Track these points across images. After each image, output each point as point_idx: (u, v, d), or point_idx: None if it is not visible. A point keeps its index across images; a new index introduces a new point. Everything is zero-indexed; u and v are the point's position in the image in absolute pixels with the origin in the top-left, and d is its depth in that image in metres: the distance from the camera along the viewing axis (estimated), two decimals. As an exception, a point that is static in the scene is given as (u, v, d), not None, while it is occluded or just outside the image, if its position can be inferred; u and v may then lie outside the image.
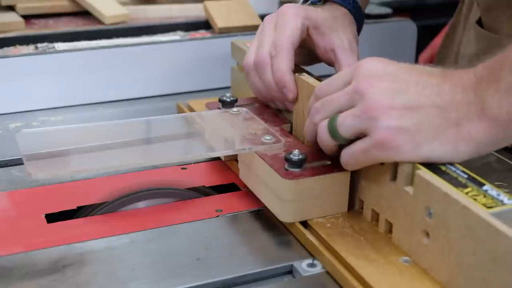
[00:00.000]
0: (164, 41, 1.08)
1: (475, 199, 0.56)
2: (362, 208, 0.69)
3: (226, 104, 0.81)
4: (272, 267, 0.64)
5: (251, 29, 1.09)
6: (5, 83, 0.96)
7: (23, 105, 0.97)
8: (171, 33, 1.14)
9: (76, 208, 0.73)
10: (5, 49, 1.04)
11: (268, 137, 0.73)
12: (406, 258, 0.62)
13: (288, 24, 0.80)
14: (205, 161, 0.83)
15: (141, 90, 1.04)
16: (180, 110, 0.96)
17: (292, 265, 0.64)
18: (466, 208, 0.54)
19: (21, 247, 0.66)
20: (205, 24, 1.18)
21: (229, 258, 0.65)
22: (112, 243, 0.67)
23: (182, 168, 0.81)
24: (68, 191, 0.76)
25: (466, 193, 0.57)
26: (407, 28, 1.20)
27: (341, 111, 0.63)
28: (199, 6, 1.22)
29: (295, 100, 0.79)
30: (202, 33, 1.16)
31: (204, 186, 0.78)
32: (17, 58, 0.99)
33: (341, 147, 0.65)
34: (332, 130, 0.64)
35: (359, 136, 0.62)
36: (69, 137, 0.74)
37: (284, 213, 0.67)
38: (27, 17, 1.16)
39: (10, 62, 0.97)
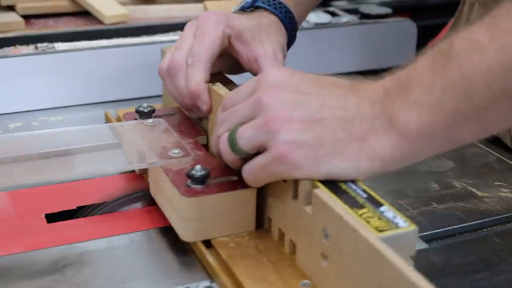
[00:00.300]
0: (164, 41, 1.08)
1: (368, 222, 0.53)
2: (271, 226, 0.66)
3: (143, 115, 0.78)
4: None
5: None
6: (5, 83, 0.96)
7: (23, 105, 0.97)
8: (171, 33, 1.14)
9: (76, 208, 0.73)
10: (5, 49, 1.04)
11: (176, 151, 0.68)
12: (306, 281, 0.59)
13: (208, 33, 0.77)
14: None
15: (141, 90, 1.04)
16: (107, 120, 0.92)
17: (188, 287, 0.61)
18: (356, 231, 0.51)
19: (21, 247, 0.66)
20: (205, 24, 1.18)
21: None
22: (112, 243, 0.67)
23: (182, 168, 0.81)
24: (68, 191, 0.76)
25: (361, 215, 0.53)
26: (407, 28, 1.20)
27: (244, 123, 0.60)
28: (199, 6, 1.22)
29: (210, 111, 0.76)
30: (202, 33, 1.16)
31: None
32: (17, 58, 0.99)
33: (245, 161, 0.62)
34: (232, 143, 0.61)
35: (260, 150, 0.59)
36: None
37: (185, 232, 0.64)
38: (27, 17, 1.16)
39: (10, 62, 0.97)
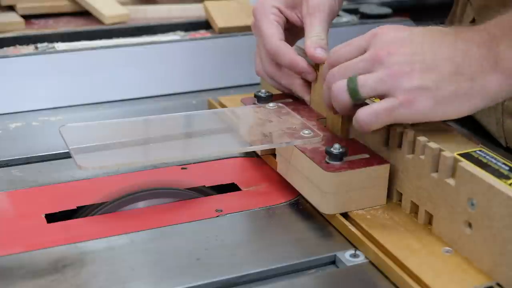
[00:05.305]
0: (164, 41, 1.08)
1: None
2: (400, 200, 0.71)
3: (261, 100, 0.82)
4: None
5: (251, 29, 1.09)
6: (5, 83, 0.96)
7: (23, 105, 0.97)
8: (171, 33, 1.14)
9: (76, 208, 0.73)
10: (5, 49, 1.04)
11: (306, 131, 0.74)
12: (447, 248, 0.63)
13: (263, 25, 0.82)
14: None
15: (141, 90, 1.04)
16: (211, 106, 0.96)
17: (335, 255, 0.65)
18: (511, 198, 0.56)
19: (21, 247, 0.66)
20: (205, 24, 1.18)
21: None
22: (112, 243, 0.67)
23: (182, 168, 0.81)
24: (68, 191, 0.76)
25: (510, 184, 0.58)
26: (407, 28, 1.20)
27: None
28: (199, 6, 1.22)
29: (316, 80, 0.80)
30: (202, 33, 1.16)
31: (204, 186, 0.78)
32: (17, 58, 0.99)
33: (356, 107, 0.67)
34: (353, 91, 0.67)
35: (380, 98, 0.66)
36: (111, 131, 0.76)
37: (325, 205, 0.69)
38: (27, 17, 1.16)
39: (10, 62, 0.97)
